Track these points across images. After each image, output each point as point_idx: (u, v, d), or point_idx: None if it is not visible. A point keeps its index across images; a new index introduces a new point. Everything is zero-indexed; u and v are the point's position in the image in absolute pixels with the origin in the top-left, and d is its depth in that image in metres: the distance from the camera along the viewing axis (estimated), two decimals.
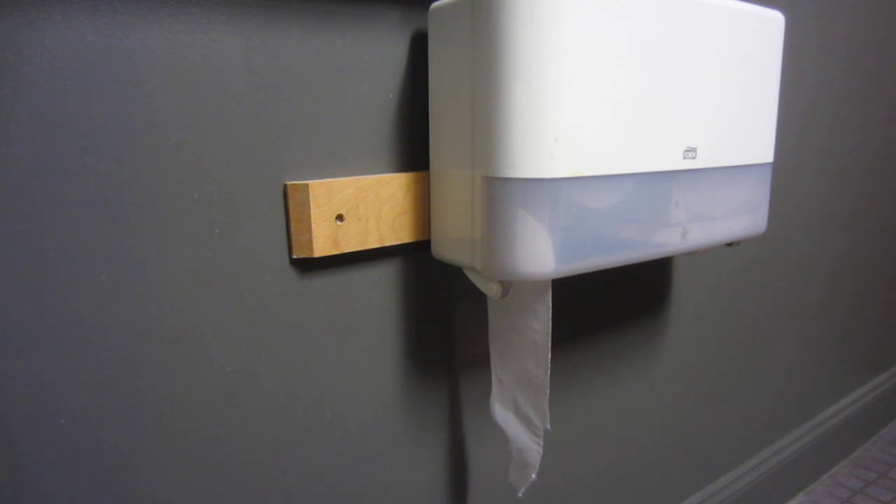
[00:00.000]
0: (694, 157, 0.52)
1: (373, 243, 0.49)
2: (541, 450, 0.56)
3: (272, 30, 0.43)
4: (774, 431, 1.11)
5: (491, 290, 0.49)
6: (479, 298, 0.60)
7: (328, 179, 0.46)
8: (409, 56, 0.50)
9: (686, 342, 0.86)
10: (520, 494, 0.61)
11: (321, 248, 0.46)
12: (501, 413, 0.58)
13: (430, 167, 0.50)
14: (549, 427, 0.55)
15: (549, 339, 0.51)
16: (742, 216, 0.59)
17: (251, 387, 0.47)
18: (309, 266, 0.48)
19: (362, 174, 0.49)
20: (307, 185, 0.45)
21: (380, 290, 0.53)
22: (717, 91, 0.52)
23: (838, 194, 1.08)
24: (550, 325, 0.52)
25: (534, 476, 0.57)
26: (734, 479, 1.01)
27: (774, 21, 0.57)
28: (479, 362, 0.62)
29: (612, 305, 0.74)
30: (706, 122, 0.52)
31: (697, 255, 0.84)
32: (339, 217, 0.47)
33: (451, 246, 0.49)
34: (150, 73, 0.39)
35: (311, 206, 0.45)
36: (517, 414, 0.57)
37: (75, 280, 0.39)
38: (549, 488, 0.73)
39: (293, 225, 0.46)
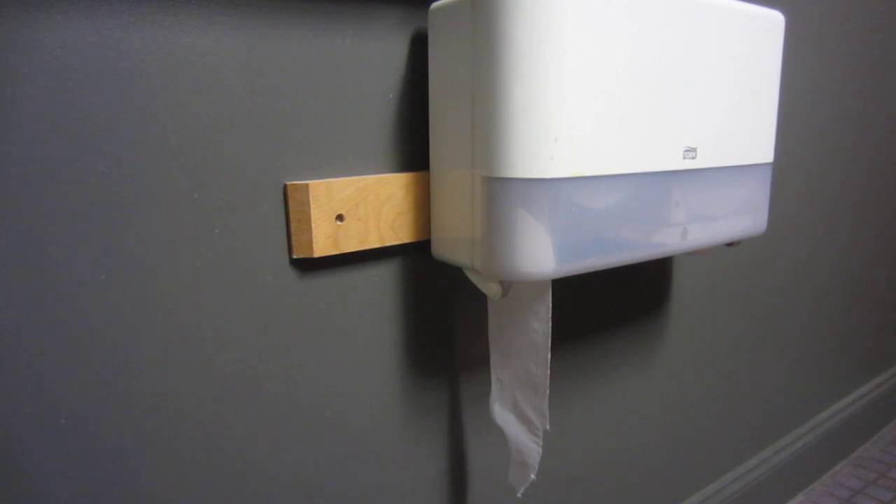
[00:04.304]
0: (694, 157, 0.52)
1: (373, 243, 0.49)
2: (540, 450, 0.56)
3: (272, 30, 0.43)
4: (774, 431, 1.11)
5: (491, 290, 0.49)
6: (479, 298, 0.60)
7: (328, 179, 0.46)
8: (409, 56, 0.50)
9: (686, 342, 0.86)
10: (519, 495, 0.61)
11: (321, 248, 0.46)
12: (501, 413, 0.58)
13: (430, 167, 0.50)
14: (548, 427, 0.55)
15: (549, 339, 0.51)
16: (742, 216, 0.59)
17: (251, 387, 0.47)
18: (309, 266, 0.48)
19: (362, 174, 0.49)
20: (307, 185, 0.45)
21: (380, 290, 0.53)
22: (717, 91, 0.52)
23: (838, 194, 1.08)
24: (550, 325, 0.52)
25: (533, 476, 0.57)
26: (734, 479, 1.01)
27: (774, 21, 0.57)
28: (479, 362, 0.62)
29: (612, 305, 0.74)
30: (706, 122, 0.52)
31: (697, 255, 0.84)
32: (339, 217, 0.47)
33: (450, 246, 0.49)
34: (150, 73, 0.39)
35: (311, 206, 0.45)
36: (517, 414, 0.57)
37: (75, 280, 0.39)
38: (548, 488, 0.73)
39: (293, 225, 0.46)
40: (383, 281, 0.53)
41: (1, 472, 0.38)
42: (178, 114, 0.41)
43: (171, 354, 0.43)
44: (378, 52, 0.48)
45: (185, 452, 0.45)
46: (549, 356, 0.52)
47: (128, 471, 0.43)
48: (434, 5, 0.46)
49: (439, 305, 0.57)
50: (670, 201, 0.51)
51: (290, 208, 0.46)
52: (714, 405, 0.95)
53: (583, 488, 0.77)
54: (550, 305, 0.51)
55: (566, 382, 0.71)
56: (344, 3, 0.46)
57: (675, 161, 0.51)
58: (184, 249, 0.42)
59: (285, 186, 0.46)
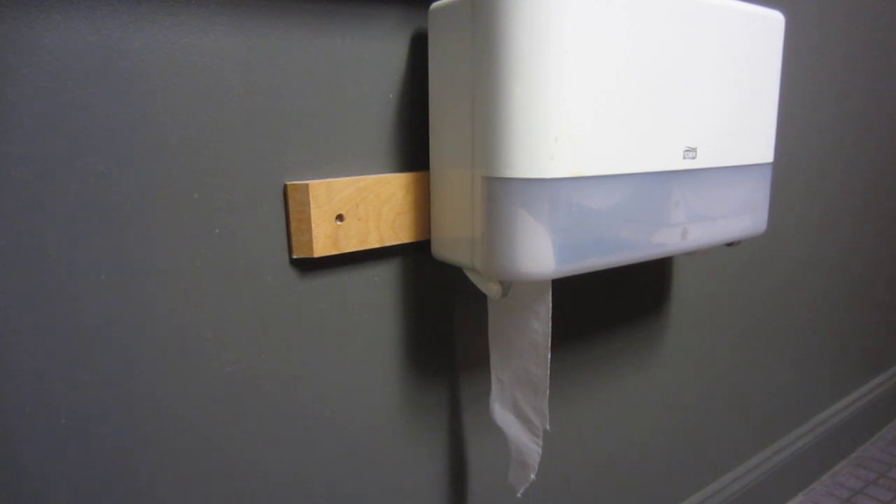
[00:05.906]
0: (694, 157, 0.52)
1: (373, 243, 0.49)
2: (540, 450, 0.56)
3: (272, 30, 0.43)
4: (774, 431, 1.11)
5: (491, 290, 0.49)
6: (479, 298, 0.60)
7: (328, 179, 0.46)
8: (409, 56, 0.50)
9: (686, 342, 0.86)
10: (519, 495, 0.61)
11: (321, 248, 0.46)
12: (501, 413, 0.58)
13: (430, 167, 0.50)
14: (548, 427, 0.55)
15: (549, 339, 0.51)
16: (742, 216, 0.59)
17: (251, 387, 0.47)
18: (309, 266, 0.48)
19: (362, 174, 0.49)
20: (307, 185, 0.45)
21: (380, 290, 0.53)
22: (717, 91, 0.52)
23: (838, 194, 1.08)
24: (550, 325, 0.52)
25: (533, 476, 0.57)
26: (734, 479, 1.01)
27: (774, 21, 0.57)
28: (479, 362, 0.62)
29: (612, 305, 0.74)
30: (706, 122, 0.52)
31: (697, 255, 0.84)
32: (339, 217, 0.47)
33: (450, 246, 0.49)
34: (150, 73, 0.39)
35: (311, 206, 0.45)
36: (516, 414, 0.57)
37: (75, 280, 0.39)
38: (548, 489, 0.73)
39: (293, 225, 0.46)
40: (383, 281, 0.53)
41: (1, 472, 0.38)
42: (178, 114, 0.41)
43: (171, 354, 0.43)
44: (378, 52, 0.48)
45: (185, 452, 0.45)
46: (549, 356, 0.52)
47: (128, 471, 0.43)
48: (434, 5, 0.46)
49: (439, 305, 0.57)
50: (670, 201, 0.51)
51: (290, 208, 0.46)
52: (714, 405, 0.95)
53: (583, 488, 0.77)
54: (550, 305, 0.51)
55: (566, 382, 0.71)
56: (344, 3, 0.46)
57: (675, 161, 0.51)
58: (184, 249, 0.42)
59: (285, 186, 0.46)
